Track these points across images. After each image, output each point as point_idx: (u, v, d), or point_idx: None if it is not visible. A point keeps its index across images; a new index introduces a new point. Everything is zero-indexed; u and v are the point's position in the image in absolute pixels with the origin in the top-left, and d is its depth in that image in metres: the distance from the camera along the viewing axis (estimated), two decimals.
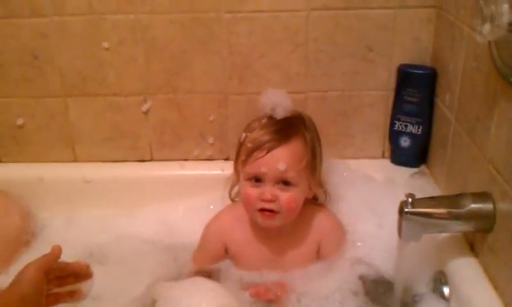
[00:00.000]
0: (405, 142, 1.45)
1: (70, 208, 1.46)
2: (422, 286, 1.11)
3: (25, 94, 1.47)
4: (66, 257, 1.29)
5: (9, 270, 1.26)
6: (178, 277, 1.24)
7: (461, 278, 1.02)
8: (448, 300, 1.04)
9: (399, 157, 1.48)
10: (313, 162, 1.21)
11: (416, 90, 1.40)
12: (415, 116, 1.42)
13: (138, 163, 1.54)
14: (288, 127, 1.20)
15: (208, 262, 1.28)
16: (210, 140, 1.51)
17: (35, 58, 1.44)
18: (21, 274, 0.90)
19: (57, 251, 0.98)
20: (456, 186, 1.20)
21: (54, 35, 1.42)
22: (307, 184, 1.21)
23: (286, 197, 1.16)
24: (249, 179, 1.19)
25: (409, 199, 1.01)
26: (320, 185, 1.27)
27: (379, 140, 1.51)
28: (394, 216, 1.03)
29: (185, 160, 1.53)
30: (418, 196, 1.03)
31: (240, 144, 1.23)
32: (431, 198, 1.07)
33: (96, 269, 1.28)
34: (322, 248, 1.26)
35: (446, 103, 1.30)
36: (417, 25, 1.39)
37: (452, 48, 1.25)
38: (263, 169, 1.16)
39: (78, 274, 1.00)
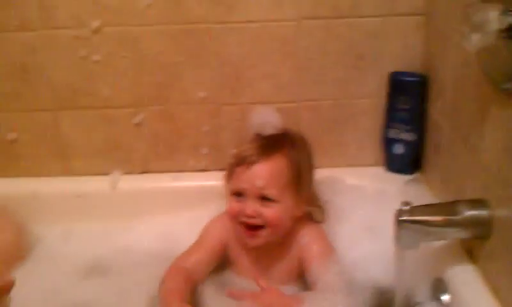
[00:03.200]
0: (399, 149, 1.45)
1: (65, 221, 1.44)
2: (421, 294, 1.10)
3: (15, 108, 1.46)
4: (64, 271, 1.30)
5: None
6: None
7: (461, 285, 1.01)
8: None
9: (394, 164, 1.48)
10: (297, 180, 1.20)
11: (408, 97, 1.41)
12: (408, 123, 1.43)
13: (132, 175, 1.53)
14: (272, 143, 1.20)
15: (203, 254, 1.25)
16: (204, 151, 1.50)
17: (25, 72, 1.42)
18: None
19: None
20: (451, 193, 1.21)
21: (43, 48, 1.41)
22: (292, 201, 1.20)
23: (269, 213, 1.16)
24: (232, 194, 1.20)
25: (406, 207, 1.01)
26: (310, 203, 1.26)
27: (372, 148, 1.51)
28: (390, 224, 1.03)
29: (180, 171, 1.52)
30: (414, 203, 1.03)
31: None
32: (427, 206, 1.07)
33: (94, 283, 1.28)
34: (304, 262, 1.22)
35: (438, 110, 1.31)
36: (407, 33, 1.40)
37: (442, 56, 1.26)
38: (243, 185, 1.17)
39: None
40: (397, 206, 1.03)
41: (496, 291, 0.96)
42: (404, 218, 1.01)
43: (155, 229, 1.42)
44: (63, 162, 1.52)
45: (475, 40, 0.89)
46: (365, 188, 1.39)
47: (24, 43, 1.40)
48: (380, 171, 1.50)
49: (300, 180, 1.21)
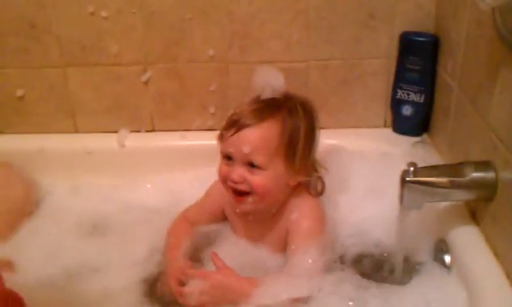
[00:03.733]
0: (407, 110, 1.44)
1: (72, 178, 1.46)
2: (424, 255, 1.10)
3: (24, 64, 1.46)
4: (69, 226, 1.32)
5: (12, 240, 1.28)
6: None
7: (463, 246, 1.02)
8: (449, 268, 1.04)
9: (401, 126, 1.47)
10: (290, 149, 1.14)
11: (418, 58, 1.39)
12: (417, 84, 1.41)
13: (139, 133, 1.53)
14: (267, 108, 1.14)
15: (204, 214, 1.28)
16: (211, 110, 1.50)
17: (33, 28, 1.42)
18: None
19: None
20: (458, 154, 1.20)
21: (51, 4, 1.40)
22: (284, 170, 1.14)
23: (255, 180, 1.12)
24: (223, 157, 1.17)
25: (411, 168, 1.01)
26: (306, 173, 1.18)
27: (381, 109, 1.49)
28: (396, 186, 1.03)
29: (187, 130, 1.52)
30: (420, 164, 1.03)
31: None
32: (433, 167, 1.07)
33: (98, 239, 1.30)
34: (288, 236, 1.18)
35: (448, 71, 1.29)
36: None
37: (455, 15, 1.24)
38: (230, 149, 1.13)
39: None
40: (403, 167, 1.02)
41: (497, 253, 0.97)
42: (409, 179, 1.01)
43: (161, 187, 1.43)
44: (70, 119, 1.53)
45: None
46: (372, 149, 1.38)
47: None
48: (387, 133, 1.49)
49: (294, 148, 1.14)
